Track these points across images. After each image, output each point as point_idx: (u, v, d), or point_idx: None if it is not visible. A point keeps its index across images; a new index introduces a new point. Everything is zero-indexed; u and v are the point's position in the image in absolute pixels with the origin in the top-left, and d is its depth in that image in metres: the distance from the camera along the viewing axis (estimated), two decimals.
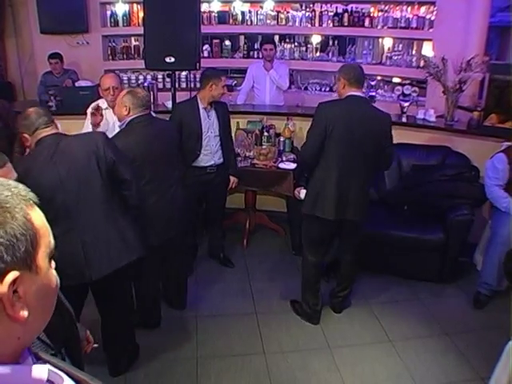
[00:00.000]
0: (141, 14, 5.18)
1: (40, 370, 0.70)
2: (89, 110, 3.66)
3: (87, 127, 3.63)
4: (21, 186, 0.71)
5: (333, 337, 3.28)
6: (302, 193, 3.86)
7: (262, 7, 5.67)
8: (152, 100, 4.99)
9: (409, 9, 5.13)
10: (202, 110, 3.70)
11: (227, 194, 4.19)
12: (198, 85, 4.07)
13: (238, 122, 4.57)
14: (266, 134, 4.48)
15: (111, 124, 3.60)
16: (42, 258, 0.69)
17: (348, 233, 3.30)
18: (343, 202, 3.07)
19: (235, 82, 5.95)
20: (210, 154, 3.78)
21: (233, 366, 2.99)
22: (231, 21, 5.67)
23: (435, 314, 3.55)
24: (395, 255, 3.92)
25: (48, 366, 0.72)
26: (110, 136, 3.23)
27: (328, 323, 3.43)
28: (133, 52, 5.80)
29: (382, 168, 3.53)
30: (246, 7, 5.72)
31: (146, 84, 5.24)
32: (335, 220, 3.10)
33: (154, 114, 3.30)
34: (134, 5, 5.60)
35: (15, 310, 0.65)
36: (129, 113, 2.93)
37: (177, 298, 3.57)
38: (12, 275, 0.64)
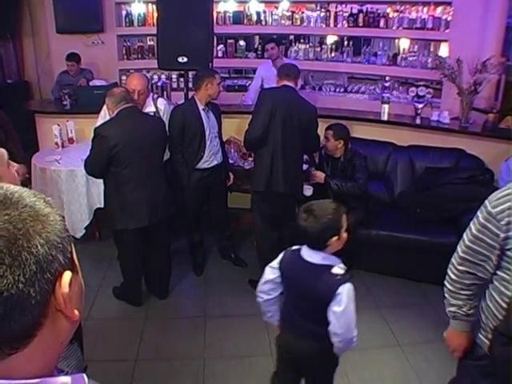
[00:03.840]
0: (156, 14, 5.20)
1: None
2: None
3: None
4: (44, 196, 0.70)
5: None
6: (306, 189, 3.84)
7: (276, 7, 5.65)
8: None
9: (425, 9, 5.06)
10: (202, 111, 3.71)
11: (227, 192, 4.22)
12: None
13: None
14: None
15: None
16: (75, 258, 0.71)
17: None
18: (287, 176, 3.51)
19: (249, 82, 5.93)
20: (212, 155, 3.79)
21: (239, 366, 3.00)
22: (246, 21, 5.66)
23: (446, 319, 3.47)
24: (406, 258, 3.87)
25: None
26: None
27: None
28: (147, 52, 5.83)
29: (312, 149, 3.93)
30: (261, 7, 5.70)
31: (159, 83, 5.26)
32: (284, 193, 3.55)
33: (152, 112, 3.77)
34: (149, 5, 5.63)
35: (72, 309, 0.66)
36: (113, 111, 3.27)
37: (158, 286, 3.67)
38: (68, 275, 0.65)
